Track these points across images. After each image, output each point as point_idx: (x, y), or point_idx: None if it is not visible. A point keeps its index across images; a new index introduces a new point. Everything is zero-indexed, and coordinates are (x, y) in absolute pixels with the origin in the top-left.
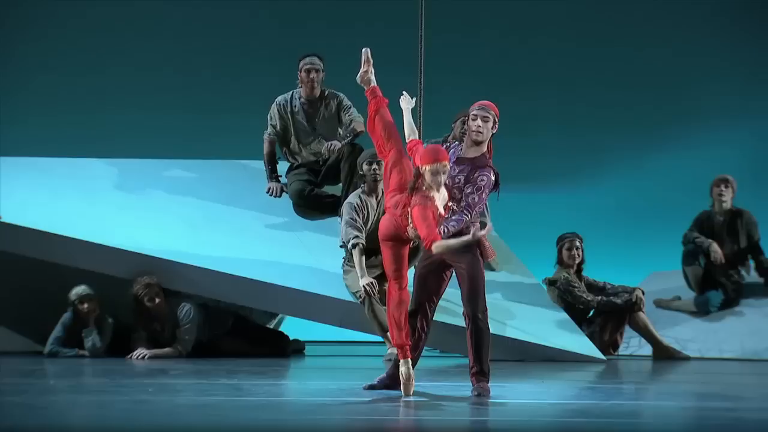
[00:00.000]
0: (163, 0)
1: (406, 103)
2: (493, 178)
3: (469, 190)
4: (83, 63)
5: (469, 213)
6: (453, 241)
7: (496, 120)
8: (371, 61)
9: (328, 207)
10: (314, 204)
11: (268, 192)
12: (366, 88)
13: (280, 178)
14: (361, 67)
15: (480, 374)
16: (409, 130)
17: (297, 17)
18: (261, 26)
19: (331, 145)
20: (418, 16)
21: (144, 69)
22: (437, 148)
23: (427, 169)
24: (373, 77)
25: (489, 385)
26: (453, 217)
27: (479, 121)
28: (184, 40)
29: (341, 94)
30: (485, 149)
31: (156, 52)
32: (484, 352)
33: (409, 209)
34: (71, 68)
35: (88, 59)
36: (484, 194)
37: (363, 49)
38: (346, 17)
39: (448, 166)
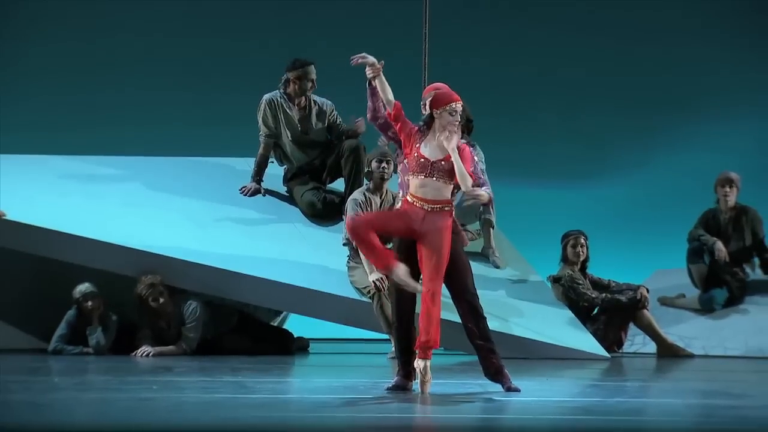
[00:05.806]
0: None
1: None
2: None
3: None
4: (90, 61)
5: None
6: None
7: (425, 102)
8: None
9: (341, 210)
10: (328, 212)
11: (241, 190)
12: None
13: (262, 183)
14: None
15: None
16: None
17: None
18: (270, 25)
19: (359, 119)
20: (421, 16)
21: (151, 66)
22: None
23: (446, 109)
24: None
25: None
26: None
27: None
28: (191, 36)
29: (328, 105)
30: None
31: (163, 50)
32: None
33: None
34: (77, 67)
35: (94, 58)
36: (480, 165)
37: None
38: (350, 24)
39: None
